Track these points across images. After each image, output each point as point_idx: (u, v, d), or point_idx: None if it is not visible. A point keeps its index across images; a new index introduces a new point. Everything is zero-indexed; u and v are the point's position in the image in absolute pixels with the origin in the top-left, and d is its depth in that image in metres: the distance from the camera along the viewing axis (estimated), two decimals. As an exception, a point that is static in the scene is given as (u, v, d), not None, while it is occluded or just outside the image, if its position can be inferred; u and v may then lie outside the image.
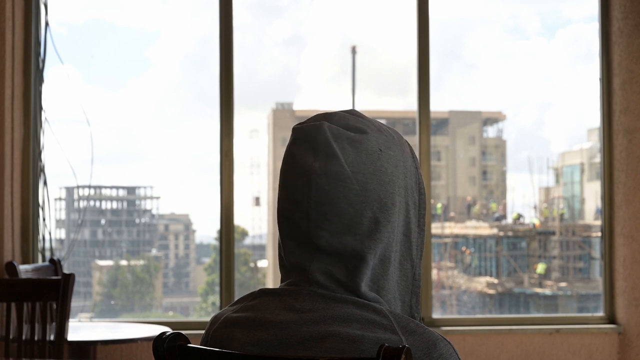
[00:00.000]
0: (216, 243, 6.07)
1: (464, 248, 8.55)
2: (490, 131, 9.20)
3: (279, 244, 1.36)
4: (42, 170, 4.59)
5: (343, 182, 1.27)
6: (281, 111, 8.67)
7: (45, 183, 4.60)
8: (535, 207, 8.67)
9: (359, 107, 7.64)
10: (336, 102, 8.47)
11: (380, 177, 1.29)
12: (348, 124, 1.31)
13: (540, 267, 8.42)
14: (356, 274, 1.27)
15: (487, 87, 8.90)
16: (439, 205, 8.55)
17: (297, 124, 1.35)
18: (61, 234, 8.28)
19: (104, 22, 8.70)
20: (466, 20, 8.93)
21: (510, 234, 8.62)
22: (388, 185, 1.30)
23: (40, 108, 4.61)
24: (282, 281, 1.35)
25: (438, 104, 8.29)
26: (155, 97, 9.16)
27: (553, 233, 8.43)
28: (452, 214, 8.54)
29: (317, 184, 1.28)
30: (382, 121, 1.42)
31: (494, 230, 8.53)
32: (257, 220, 8.66)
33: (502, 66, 8.94)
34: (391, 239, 1.30)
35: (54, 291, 3.34)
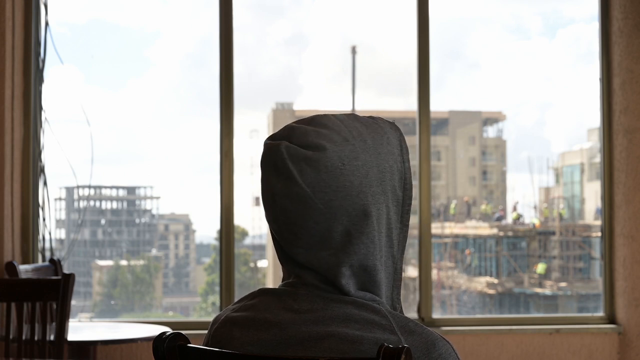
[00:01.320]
0: (216, 243, 6.07)
1: (467, 251, 8.55)
2: (490, 131, 9.20)
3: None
4: (42, 170, 4.59)
5: (305, 203, 1.25)
6: (281, 111, 8.67)
7: (45, 183, 4.60)
8: (535, 207, 8.67)
9: (359, 108, 7.65)
10: (337, 102, 8.47)
11: (346, 192, 1.26)
12: (307, 142, 1.27)
13: (540, 267, 8.42)
14: (339, 285, 1.27)
15: (487, 87, 8.90)
16: (452, 204, 8.55)
17: (267, 138, 1.33)
18: (61, 234, 8.28)
19: (105, 22, 8.71)
20: (467, 20, 8.93)
21: (510, 234, 8.63)
22: (357, 198, 1.26)
23: (40, 108, 4.61)
24: (283, 280, 1.35)
25: (439, 104, 8.31)
26: (155, 97, 9.17)
27: (553, 233, 8.43)
28: (456, 217, 8.54)
29: (281, 205, 1.27)
30: None
31: (494, 230, 8.54)
32: (257, 220, 8.66)
33: (503, 66, 8.94)
34: (371, 248, 1.28)
35: (54, 291, 3.34)
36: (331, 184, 1.25)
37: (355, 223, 1.26)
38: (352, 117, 1.34)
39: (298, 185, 1.25)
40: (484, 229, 8.56)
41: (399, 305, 1.35)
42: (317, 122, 1.31)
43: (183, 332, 1.33)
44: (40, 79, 4.61)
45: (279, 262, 1.36)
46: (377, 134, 1.32)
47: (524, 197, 8.76)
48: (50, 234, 4.60)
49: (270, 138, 1.32)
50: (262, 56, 8.68)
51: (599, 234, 5.06)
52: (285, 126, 1.33)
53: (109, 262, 9.79)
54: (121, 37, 8.99)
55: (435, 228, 8.09)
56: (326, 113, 1.35)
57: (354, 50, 7.62)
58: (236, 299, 1.41)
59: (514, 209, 8.64)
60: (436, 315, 4.77)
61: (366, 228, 1.27)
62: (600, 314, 4.82)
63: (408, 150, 1.37)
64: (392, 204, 1.32)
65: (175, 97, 9.19)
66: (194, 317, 8.87)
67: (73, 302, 3.50)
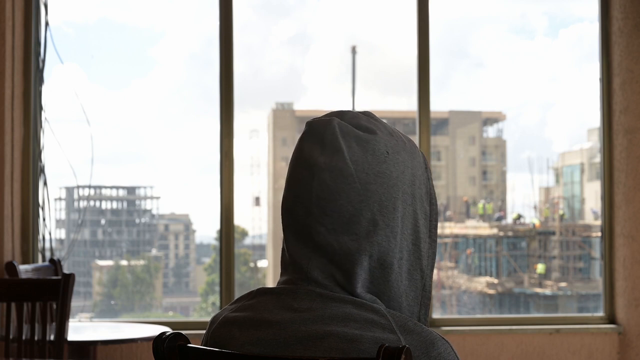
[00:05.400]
0: (216, 243, 6.07)
1: (468, 250, 8.55)
2: (490, 131, 9.20)
3: (283, 238, 1.37)
4: (42, 170, 4.59)
5: (345, 178, 1.28)
6: (281, 111, 8.67)
7: (45, 183, 4.60)
8: (535, 207, 8.67)
9: (360, 107, 7.65)
10: (338, 102, 8.47)
11: (384, 180, 1.29)
12: (359, 123, 1.32)
13: (540, 267, 8.42)
14: (351, 274, 1.27)
15: (491, 87, 8.89)
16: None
17: (311, 119, 1.37)
18: (61, 234, 8.27)
19: (109, 21, 8.70)
20: (474, 19, 8.93)
21: (510, 234, 8.63)
22: (391, 189, 1.29)
23: (40, 108, 4.61)
24: (281, 276, 1.35)
25: (443, 103, 8.30)
26: (157, 97, 9.16)
27: (553, 233, 8.43)
28: (451, 213, 8.54)
29: (320, 178, 1.29)
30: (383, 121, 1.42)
31: (494, 230, 8.53)
32: (257, 220, 8.65)
33: (507, 66, 8.94)
34: (392, 244, 1.29)
35: (54, 291, 3.34)
36: (374, 167, 1.29)
37: (383, 214, 1.28)
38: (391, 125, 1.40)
39: (343, 161, 1.28)
40: (484, 229, 8.55)
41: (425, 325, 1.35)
42: (366, 113, 1.37)
43: (183, 332, 1.34)
44: (40, 79, 4.61)
45: (278, 262, 1.37)
46: (412, 144, 1.38)
47: (524, 197, 8.76)
48: (50, 234, 4.60)
49: (316, 118, 1.36)
50: (266, 56, 8.68)
51: (599, 234, 5.06)
52: (332, 111, 1.37)
53: (109, 262, 9.79)
54: (125, 36, 8.99)
55: (435, 228, 8.06)
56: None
57: (354, 50, 7.62)
58: (235, 299, 1.40)
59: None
60: (436, 315, 4.77)
61: (392, 222, 1.29)
62: (600, 314, 4.82)
63: (431, 173, 1.41)
64: (420, 212, 1.34)
65: (178, 97, 9.19)
66: (194, 317, 8.87)
67: (73, 302, 3.50)
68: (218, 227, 4.68)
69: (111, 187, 10.03)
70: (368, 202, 1.28)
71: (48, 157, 4.62)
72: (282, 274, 1.35)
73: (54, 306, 3.89)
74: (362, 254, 1.27)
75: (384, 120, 1.41)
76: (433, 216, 1.37)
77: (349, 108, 1.45)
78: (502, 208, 8.77)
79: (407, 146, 1.35)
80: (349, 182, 1.28)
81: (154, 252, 9.87)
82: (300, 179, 1.31)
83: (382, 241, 1.28)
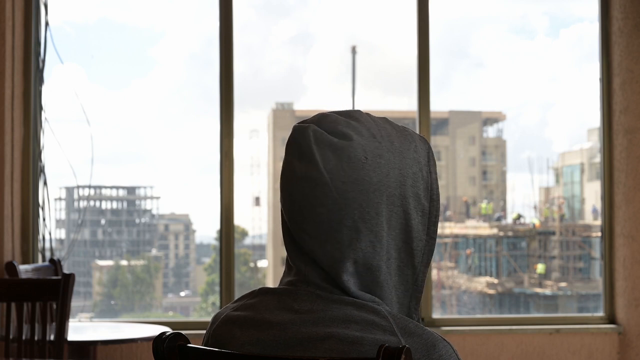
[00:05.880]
0: (216, 243, 6.07)
1: (468, 251, 8.55)
2: (490, 131, 9.20)
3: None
4: (42, 170, 4.59)
5: (322, 188, 1.26)
6: (281, 111, 8.67)
7: (45, 183, 4.60)
8: (535, 207, 8.67)
9: (361, 108, 7.64)
10: (338, 102, 8.47)
11: (363, 186, 1.26)
12: (335, 129, 1.29)
13: (540, 267, 8.41)
14: (340, 281, 1.27)
15: (491, 87, 8.89)
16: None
17: (296, 123, 1.35)
18: (61, 234, 8.28)
19: (109, 21, 8.70)
20: (473, 19, 8.93)
21: (510, 234, 8.63)
22: (373, 195, 1.27)
23: (40, 108, 4.61)
24: (283, 276, 1.35)
25: (443, 103, 8.30)
26: (157, 97, 9.16)
27: (553, 233, 8.43)
28: (451, 213, 8.54)
29: (299, 188, 1.28)
30: None
31: (494, 230, 8.53)
32: (257, 220, 8.65)
33: (508, 65, 8.94)
34: (377, 248, 1.27)
35: (54, 291, 3.34)
36: (350, 175, 1.26)
37: (366, 220, 1.26)
38: (384, 120, 1.36)
39: (318, 171, 1.26)
40: (484, 229, 8.56)
41: (416, 316, 1.34)
42: (350, 114, 1.33)
43: (183, 332, 1.34)
44: (40, 79, 4.61)
45: (278, 262, 1.36)
46: (406, 140, 1.34)
47: (524, 197, 8.76)
48: (50, 234, 4.60)
49: (300, 122, 1.33)
50: (266, 56, 8.68)
51: (599, 234, 5.06)
52: (318, 113, 1.34)
53: (109, 262, 9.79)
54: (125, 36, 8.99)
55: (435, 228, 8.04)
56: (361, 110, 1.36)
57: (354, 50, 7.62)
58: (237, 297, 1.40)
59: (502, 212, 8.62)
60: (436, 315, 4.77)
61: (376, 227, 1.27)
62: (600, 314, 4.82)
63: (436, 164, 1.38)
64: (414, 211, 1.31)
65: (178, 97, 9.19)
66: (194, 317, 8.87)
67: (73, 302, 3.50)
68: (218, 227, 4.68)
69: (111, 187, 10.03)
70: (348, 210, 1.26)
71: (48, 157, 4.62)
72: (285, 274, 1.35)
73: (54, 306, 3.89)
74: (347, 261, 1.26)
75: (384, 117, 1.39)
76: (433, 213, 1.34)
77: (349, 108, 1.41)
78: (502, 208, 8.77)
79: (396, 145, 1.31)
80: (325, 192, 1.26)
81: (154, 252, 9.87)
82: (285, 187, 1.31)
83: (367, 247, 1.27)
